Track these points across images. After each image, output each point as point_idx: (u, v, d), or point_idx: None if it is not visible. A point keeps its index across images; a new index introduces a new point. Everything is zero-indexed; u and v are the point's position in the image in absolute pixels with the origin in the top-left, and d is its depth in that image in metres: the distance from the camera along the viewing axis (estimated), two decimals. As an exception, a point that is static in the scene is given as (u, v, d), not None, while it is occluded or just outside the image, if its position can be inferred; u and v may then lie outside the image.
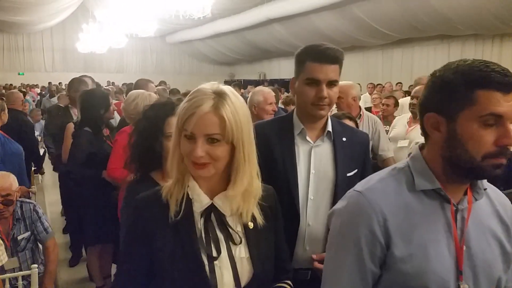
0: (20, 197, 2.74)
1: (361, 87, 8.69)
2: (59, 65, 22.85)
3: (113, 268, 3.42)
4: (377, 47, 14.38)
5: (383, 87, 10.04)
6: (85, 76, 4.54)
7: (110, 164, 2.79)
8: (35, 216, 2.65)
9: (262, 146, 1.52)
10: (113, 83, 15.98)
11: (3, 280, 2.30)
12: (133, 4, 13.42)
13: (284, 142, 1.66)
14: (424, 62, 12.84)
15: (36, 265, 2.35)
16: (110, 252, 3.34)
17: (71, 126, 3.49)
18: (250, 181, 1.13)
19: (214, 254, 1.11)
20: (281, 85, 12.26)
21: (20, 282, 2.33)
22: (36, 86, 18.81)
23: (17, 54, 22.48)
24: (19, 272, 2.41)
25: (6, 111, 3.60)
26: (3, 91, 12.16)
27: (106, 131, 3.37)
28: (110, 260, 3.40)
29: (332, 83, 1.59)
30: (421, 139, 1.10)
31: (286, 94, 8.40)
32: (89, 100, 3.24)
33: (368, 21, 11.67)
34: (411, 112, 3.61)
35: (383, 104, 4.78)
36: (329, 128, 1.68)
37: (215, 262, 1.11)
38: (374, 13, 11.30)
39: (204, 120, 1.05)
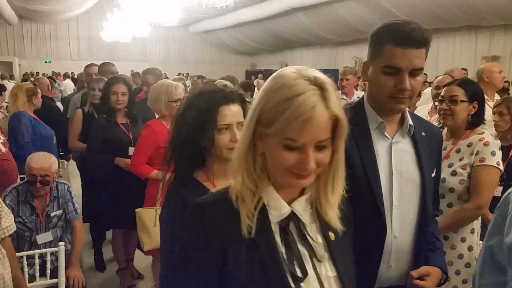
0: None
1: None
2: (85, 53, 23.23)
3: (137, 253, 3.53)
4: (401, 37, 14.10)
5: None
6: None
7: (133, 160, 2.84)
8: (68, 196, 2.82)
9: None
10: (132, 71, 16.16)
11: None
12: (156, -7, 13.52)
13: (360, 138, 1.38)
14: (450, 53, 12.55)
15: (63, 243, 2.51)
16: (135, 237, 3.37)
17: (79, 113, 3.64)
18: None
19: (299, 274, 0.91)
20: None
21: (48, 258, 2.53)
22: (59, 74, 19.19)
23: (44, 42, 22.94)
24: (47, 249, 2.59)
25: (39, 96, 3.72)
26: (32, 78, 12.52)
27: (125, 120, 3.35)
28: (135, 245, 3.50)
29: (415, 72, 1.31)
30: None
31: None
32: (104, 87, 3.35)
33: (393, 11, 11.44)
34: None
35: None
36: (410, 121, 1.43)
37: (302, 284, 0.91)
38: (398, 2, 11.08)
39: (319, 126, 0.83)
